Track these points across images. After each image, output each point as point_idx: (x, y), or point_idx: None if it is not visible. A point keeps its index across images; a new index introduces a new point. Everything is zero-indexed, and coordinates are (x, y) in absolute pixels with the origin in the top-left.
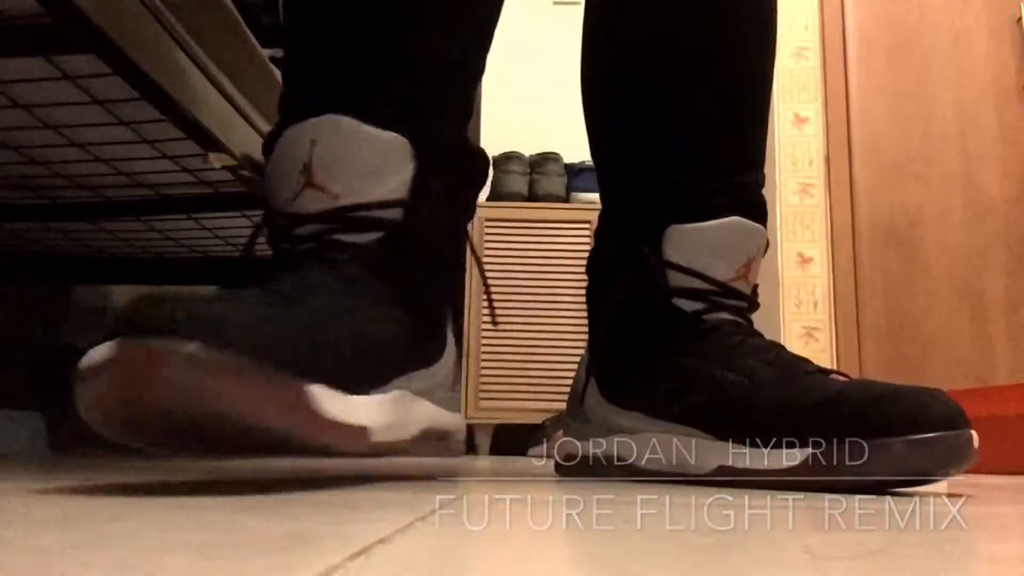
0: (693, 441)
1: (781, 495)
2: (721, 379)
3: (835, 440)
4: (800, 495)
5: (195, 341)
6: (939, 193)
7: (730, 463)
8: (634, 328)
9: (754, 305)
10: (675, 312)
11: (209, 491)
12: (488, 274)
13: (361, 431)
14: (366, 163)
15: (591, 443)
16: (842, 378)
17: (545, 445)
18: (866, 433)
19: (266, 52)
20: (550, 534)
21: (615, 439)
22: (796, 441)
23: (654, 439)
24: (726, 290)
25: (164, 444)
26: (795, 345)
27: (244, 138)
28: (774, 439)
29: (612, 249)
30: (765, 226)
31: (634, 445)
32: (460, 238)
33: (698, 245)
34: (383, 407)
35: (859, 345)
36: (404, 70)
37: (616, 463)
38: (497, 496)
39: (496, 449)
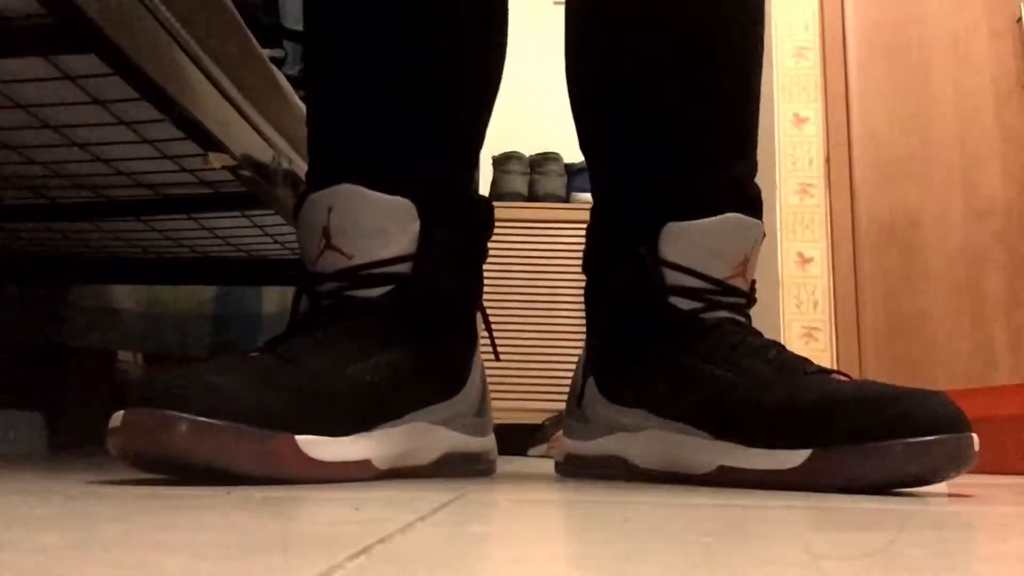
0: (693, 440)
1: (781, 495)
2: (721, 379)
3: (835, 442)
4: (800, 495)
5: (189, 410)
6: (939, 193)
7: (729, 463)
8: (632, 327)
9: (752, 301)
10: (672, 311)
11: (209, 491)
12: (488, 274)
13: (363, 464)
14: (375, 225)
15: (591, 442)
16: (843, 378)
17: (545, 445)
18: (866, 436)
19: (266, 52)
20: (550, 534)
21: (615, 438)
22: (796, 442)
23: (654, 437)
24: (724, 288)
25: (191, 481)
26: (795, 345)
27: (244, 138)
28: (774, 440)
29: (607, 248)
30: (760, 218)
31: (634, 444)
32: (472, 280)
33: (695, 243)
34: (391, 439)
35: (859, 345)
36: (408, 141)
37: (616, 462)
38: (497, 496)
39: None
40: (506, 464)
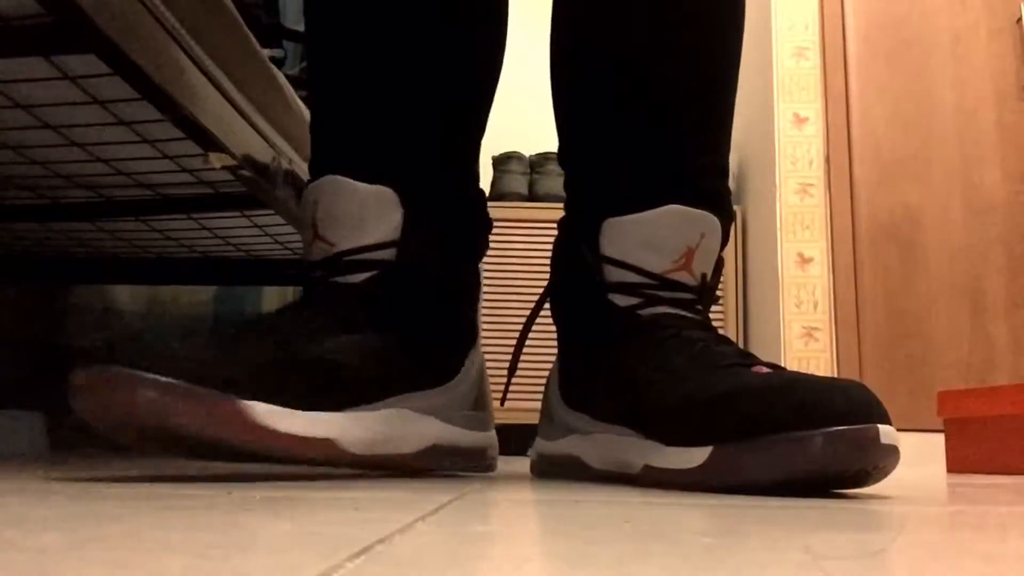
0: (627, 440)
1: (780, 497)
2: (645, 377)
3: (732, 437)
4: (800, 497)
5: (146, 370)
6: (939, 193)
7: (651, 462)
8: (577, 326)
9: (705, 296)
10: (610, 308)
11: (209, 491)
12: (488, 274)
13: (327, 443)
14: (356, 214)
15: (554, 442)
16: (764, 369)
17: None
18: (761, 429)
19: (266, 52)
20: (550, 534)
21: (571, 439)
22: (698, 439)
23: (600, 440)
24: (663, 282)
25: (146, 447)
26: (795, 345)
27: (244, 138)
28: (681, 437)
29: (560, 245)
30: (721, 212)
31: (585, 446)
32: (464, 272)
33: (632, 237)
34: (363, 423)
35: (859, 345)
36: (394, 133)
37: (575, 462)
38: (497, 496)
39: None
40: (506, 464)
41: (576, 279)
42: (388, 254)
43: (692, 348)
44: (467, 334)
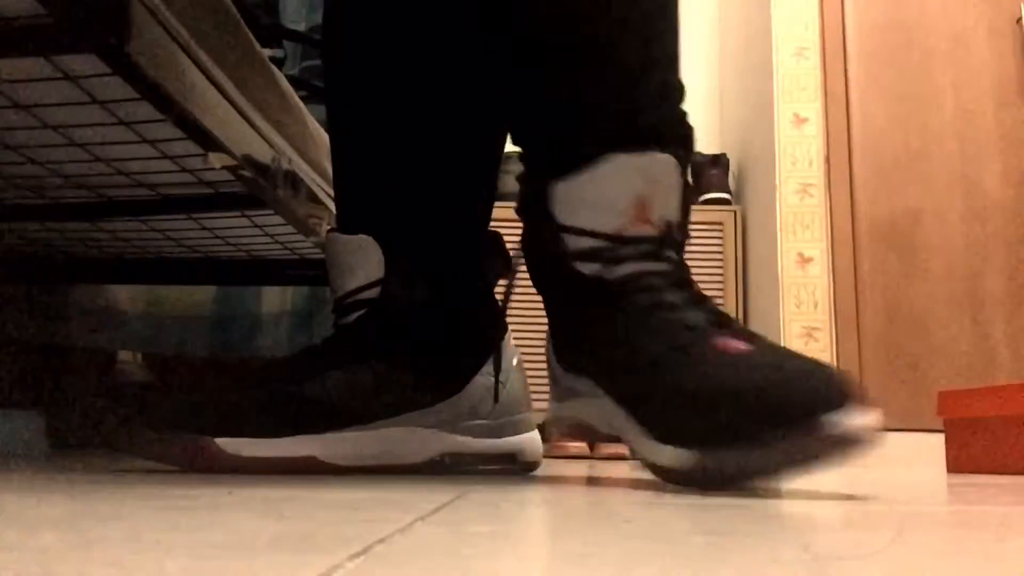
0: (621, 416)
1: (779, 498)
2: (620, 361)
3: (718, 442)
4: (801, 498)
5: (139, 423)
6: (939, 193)
7: (639, 450)
8: (551, 295)
9: (670, 241)
10: (577, 277)
11: (209, 491)
12: None
13: (308, 459)
14: (344, 262)
15: (563, 404)
16: (741, 346)
17: (547, 445)
18: (746, 433)
19: (266, 52)
20: (550, 534)
21: (576, 402)
22: (680, 439)
23: (602, 406)
24: (621, 240)
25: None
26: (795, 345)
27: (244, 138)
28: (663, 432)
29: (523, 216)
30: (673, 144)
31: (589, 409)
32: (467, 305)
33: (579, 200)
34: (353, 442)
35: (859, 345)
36: (373, 187)
37: (584, 426)
38: (497, 496)
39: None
40: None
41: (541, 251)
42: (373, 293)
43: (668, 330)
44: (473, 351)
